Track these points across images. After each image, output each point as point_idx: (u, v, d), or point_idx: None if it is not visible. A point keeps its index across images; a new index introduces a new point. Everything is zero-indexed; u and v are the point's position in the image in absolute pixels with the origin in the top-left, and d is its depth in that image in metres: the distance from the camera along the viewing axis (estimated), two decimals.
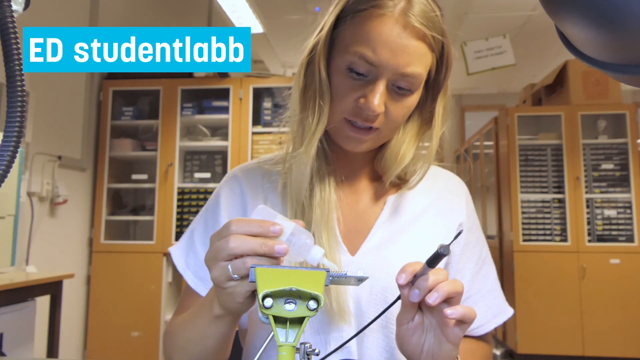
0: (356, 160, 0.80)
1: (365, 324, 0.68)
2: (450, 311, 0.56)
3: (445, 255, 0.54)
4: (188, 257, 0.80)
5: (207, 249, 0.76)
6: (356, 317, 0.72)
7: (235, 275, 0.53)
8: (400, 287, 0.58)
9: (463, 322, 0.57)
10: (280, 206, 0.77)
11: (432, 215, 0.79)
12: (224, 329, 0.64)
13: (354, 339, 0.70)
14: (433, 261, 0.55)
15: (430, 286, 0.56)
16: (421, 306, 0.60)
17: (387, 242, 0.75)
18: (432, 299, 0.55)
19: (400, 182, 0.80)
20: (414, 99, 0.71)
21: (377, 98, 0.66)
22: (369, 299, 0.72)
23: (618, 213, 3.77)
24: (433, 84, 0.74)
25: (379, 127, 0.70)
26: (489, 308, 0.80)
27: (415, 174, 0.78)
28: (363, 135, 0.71)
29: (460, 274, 0.79)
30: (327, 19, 0.70)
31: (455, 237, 0.56)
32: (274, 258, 0.54)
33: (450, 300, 0.57)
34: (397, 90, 0.68)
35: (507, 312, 0.82)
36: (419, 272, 0.57)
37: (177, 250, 0.82)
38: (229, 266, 0.54)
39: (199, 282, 0.78)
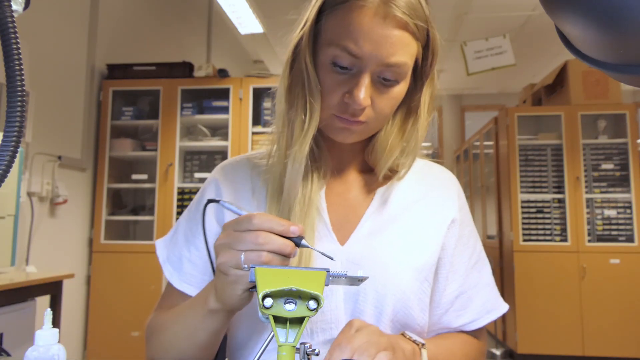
0: (346, 151, 0.80)
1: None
2: None
3: None
4: (169, 250, 0.80)
5: (188, 243, 0.76)
6: (345, 303, 0.71)
7: (245, 266, 0.55)
8: None
9: None
10: (263, 201, 0.76)
11: (422, 206, 0.79)
12: (217, 324, 0.64)
13: (345, 316, 0.71)
14: None
15: None
16: None
17: (376, 232, 0.75)
18: None
19: (391, 174, 0.79)
20: (400, 89, 0.70)
21: (363, 92, 0.65)
22: (357, 287, 0.71)
23: (618, 213, 3.77)
24: (420, 73, 0.73)
25: (367, 120, 0.69)
26: (483, 303, 0.79)
27: (405, 166, 0.77)
28: (352, 126, 0.70)
29: (454, 268, 0.78)
30: (310, 14, 0.69)
31: None
32: (286, 258, 0.57)
33: None
34: (383, 81, 0.67)
35: (502, 308, 0.81)
36: None
37: (161, 243, 0.82)
38: (242, 255, 0.55)
39: (175, 273, 0.77)
